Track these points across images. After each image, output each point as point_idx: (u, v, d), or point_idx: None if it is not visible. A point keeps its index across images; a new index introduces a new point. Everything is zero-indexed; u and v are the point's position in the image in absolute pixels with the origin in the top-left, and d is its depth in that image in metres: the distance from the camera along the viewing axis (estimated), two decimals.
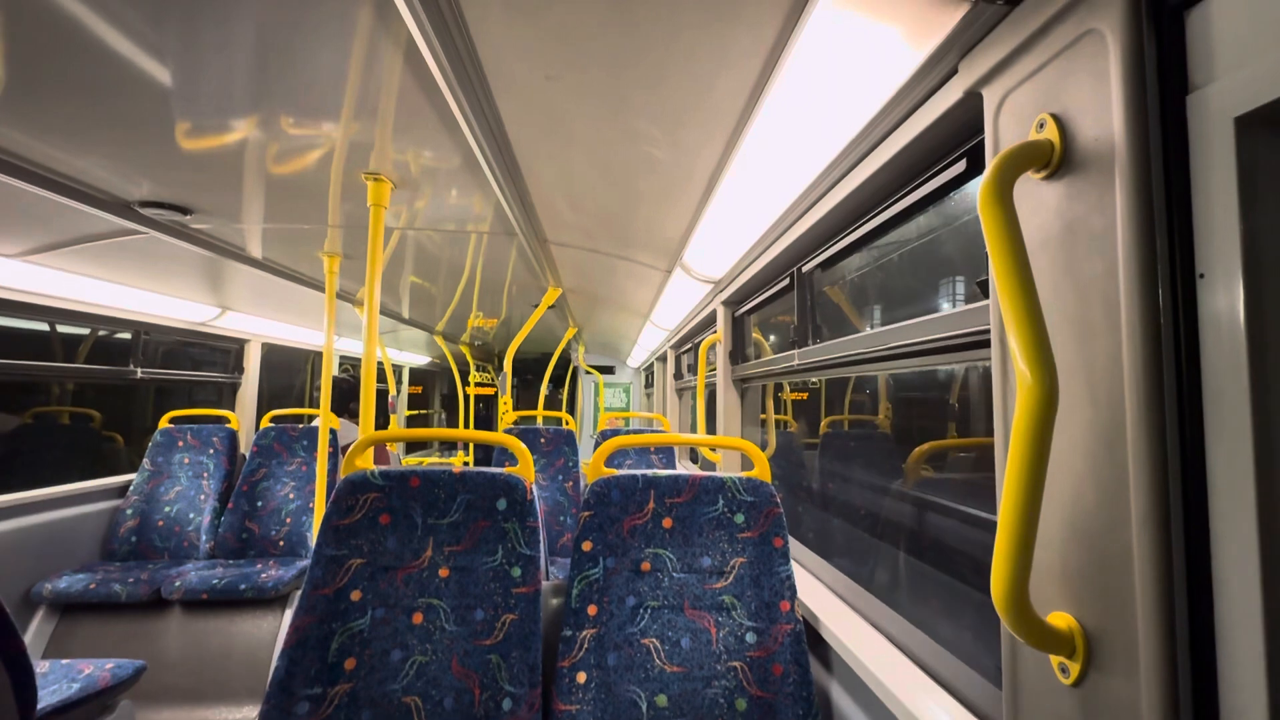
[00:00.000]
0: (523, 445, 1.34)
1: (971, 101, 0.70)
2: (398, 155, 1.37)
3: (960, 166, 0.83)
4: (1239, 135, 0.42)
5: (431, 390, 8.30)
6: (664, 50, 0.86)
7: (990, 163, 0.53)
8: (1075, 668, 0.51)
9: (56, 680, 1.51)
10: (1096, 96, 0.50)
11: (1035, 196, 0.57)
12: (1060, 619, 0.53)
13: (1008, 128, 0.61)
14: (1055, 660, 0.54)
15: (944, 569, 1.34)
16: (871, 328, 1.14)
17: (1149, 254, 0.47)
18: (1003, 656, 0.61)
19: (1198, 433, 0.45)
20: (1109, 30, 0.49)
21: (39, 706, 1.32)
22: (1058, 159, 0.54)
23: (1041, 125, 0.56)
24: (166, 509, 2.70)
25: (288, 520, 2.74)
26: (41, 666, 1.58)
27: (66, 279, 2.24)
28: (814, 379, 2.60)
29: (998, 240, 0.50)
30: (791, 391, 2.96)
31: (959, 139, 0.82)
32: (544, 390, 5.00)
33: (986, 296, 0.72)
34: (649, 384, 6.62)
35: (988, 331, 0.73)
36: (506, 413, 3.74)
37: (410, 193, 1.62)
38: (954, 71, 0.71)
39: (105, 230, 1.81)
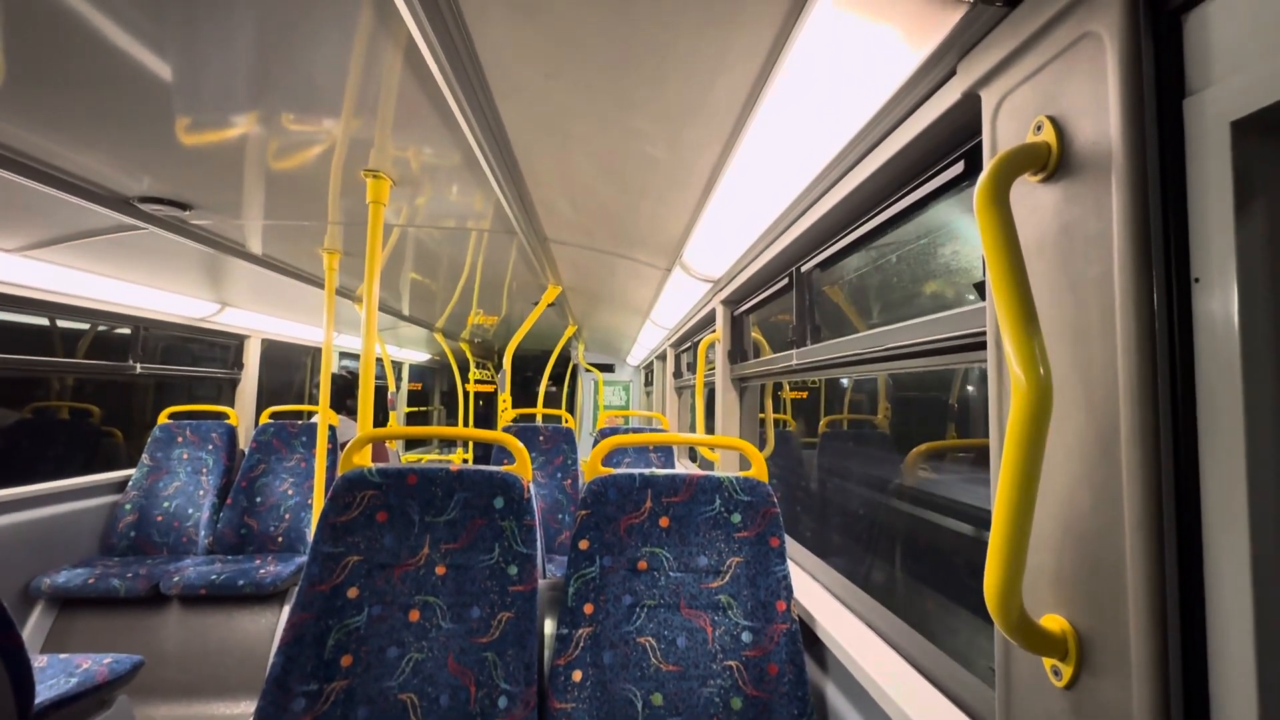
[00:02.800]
0: (520, 444, 1.34)
1: (970, 103, 0.69)
2: (397, 153, 1.37)
3: (959, 168, 0.83)
4: (1235, 139, 0.42)
5: (431, 387, 8.30)
6: (664, 48, 0.86)
7: (988, 164, 0.53)
8: (1068, 670, 0.51)
9: (54, 675, 1.52)
10: (1094, 99, 0.50)
11: (1032, 199, 0.57)
12: (1053, 621, 0.53)
13: (1005, 129, 0.61)
14: (1048, 663, 0.54)
15: (938, 571, 1.34)
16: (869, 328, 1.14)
17: (1144, 258, 0.47)
18: (996, 658, 0.61)
19: (1191, 437, 0.45)
20: (1107, 33, 0.49)
21: (37, 701, 1.32)
22: (1055, 162, 0.54)
23: (1039, 128, 0.56)
24: (165, 504, 2.70)
25: (286, 516, 2.74)
26: (39, 661, 1.59)
27: (66, 274, 2.24)
28: (813, 379, 2.60)
29: (994, 242, 0.49)
30: (791, 391, 2.96)
31: (957, 140, 0.82)
32: (543, 388, 5.00)
33: (983, 299, 0.72)
34: (649, 382, 6.62)
35: (984, 333, 0.73)
36: (505, 410, 3.74)
37: (410, 190, 1.62)
38: (952, 73, 0.71)
39: (105, 226, 1.80)
